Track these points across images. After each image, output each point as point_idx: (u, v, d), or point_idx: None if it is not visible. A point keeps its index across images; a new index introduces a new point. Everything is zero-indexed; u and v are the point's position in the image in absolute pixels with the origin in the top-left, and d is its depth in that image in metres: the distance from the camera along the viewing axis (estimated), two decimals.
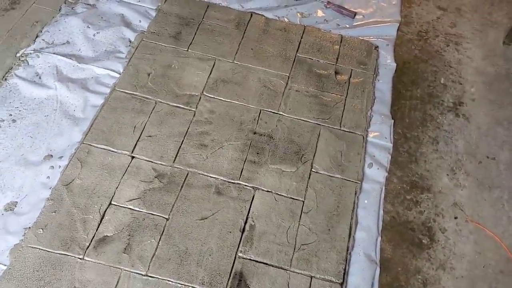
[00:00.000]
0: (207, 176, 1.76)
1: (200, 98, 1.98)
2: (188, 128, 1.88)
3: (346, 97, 2.08)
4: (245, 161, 1.81)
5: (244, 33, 2.27)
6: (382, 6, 2.51)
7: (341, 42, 2.30)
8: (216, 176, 1.76)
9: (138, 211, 1.65)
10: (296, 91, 2.07)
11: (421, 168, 1.88)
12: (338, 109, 2.03)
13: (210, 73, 2.09)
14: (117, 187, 1.69)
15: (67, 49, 2.11)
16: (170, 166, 1.77)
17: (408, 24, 2.43)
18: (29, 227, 1.58)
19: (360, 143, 1.93)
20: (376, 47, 2.31)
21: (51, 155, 1.76)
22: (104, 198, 1.66)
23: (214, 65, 2.12)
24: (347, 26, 2.41)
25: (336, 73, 2.17)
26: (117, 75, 2.03)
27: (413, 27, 2.42)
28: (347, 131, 1.96)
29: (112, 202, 1.66)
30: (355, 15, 2.42)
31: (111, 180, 1.71)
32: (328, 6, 2.45)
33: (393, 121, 2.02)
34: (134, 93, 1.97)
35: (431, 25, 2.44)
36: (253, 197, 1.73)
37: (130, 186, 1.70)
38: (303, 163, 1.83)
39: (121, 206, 1.65)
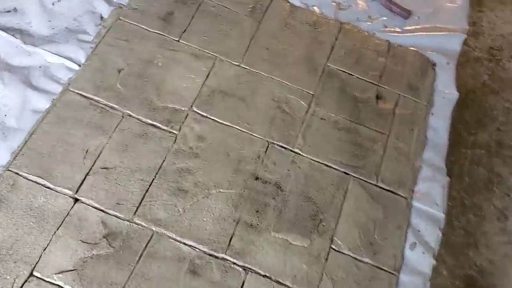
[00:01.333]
0: (180, 242, 1.17)
1: (187, 115, 1.36)
2: (164, 161, 1.27)
3: (388, 135, 1.46)
4: (237, 223, 1.22)
5: (259, 23, 1.62)
6: (444, 7, 1.84)
7: (388, 52, 1.65)
8: (194, 244, 1.17)
9: None
10: (322, 119, 1.44)
11: (482, 257, 1.29)
12: (376, 153, 1.41)
13: (206, 79, 1.46)
14: (45, 248, 1.11)
15: (13, 20, 1.46)
16: (128, 220, 1.17)
17: (477, 35, 1.78)
18: None
19: (402, 210, 1.33)
20: (434, 64, 1.66)
21: None
22: (24, 264, 1.08)
23: (213, 66, 1.48)
24: (397, 29, 1.76)
25: (378, 97, 1.54)
26: (76, 67, 1.40)
27: (483, 40, 1.77)
28: (386, 189, 1.36)
29: (34, 273, 1.09)
30: (409, 15, 1.76)
31: (39, 234, 1.12)
32: None
33: (448, 179, 1.40)
34: (95, 98, 1.35)
35: (506, 40, 1.77)
36: (243, 283, 1.14)
37: (64, 247, 1.11)
38: (320, 234, 1.24)
39: (45, 281, 1.08)
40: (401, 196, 1.37)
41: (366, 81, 1.58)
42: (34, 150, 1.25)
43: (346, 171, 1.37)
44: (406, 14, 1.77)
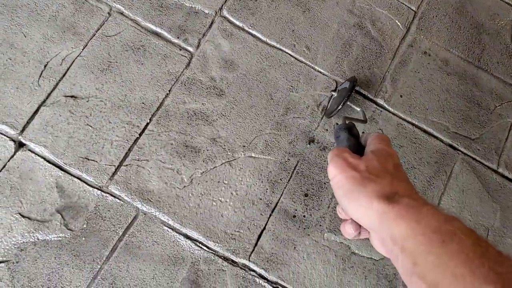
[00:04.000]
0: (179, 233, 0.67)
1: (211, 23, 0.78)
2: (167, 97, 0.73)
3: None
4: (273, 210, 0.69)
5: None
6: None
7: None
8: (200, 238, 0.67)
9: None
10: (424, 53, 0.83)
11: None
12: (501, 120, 0.82)
13: None
14: None
15: None
16: (99, 187, 0.66)
17: None
18: None
19: None
20: None
21: None
22: None
23: None
24: None
25: None
26: None
27: None
28: (511, 180, 0.79)
29: None
30: None
31: None
32: None
33: None
34: None
35: None
36: None
37: None
38: None
39: None
40: None
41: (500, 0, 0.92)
42: None
43: (453, 144, 0.79)
44: None
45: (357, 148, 0.47)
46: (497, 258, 0.32)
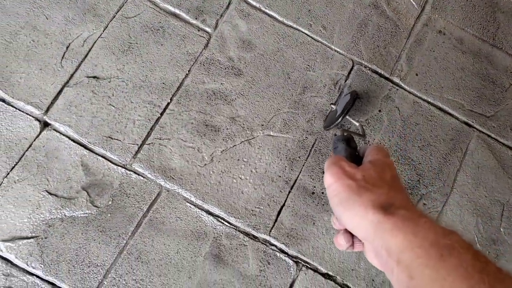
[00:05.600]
0: (201, 209, 0.66)
1: (229, 4, 0.76)
2: (187, 77, 0.71)
3: None
4: (292, 187, 0.68)
5: None
6: None
7: None
8: (221, 214, 0.67)
9: (22, 274, 0.60)
10: (439, 32, 0.81)
11: None
12: None
13: None
14: None
15: None
16: (123, 166, 0.66)
17: None
18: None
19: None
20: None
21: None
22: None
23: None
24: None
25: None
26: None
27: None
28: None
29: None
30: None
31: None
32: None
33: None
34: None
35: None
36: (293, 283, 0.65)
37: (20, 201, 0.63)
38: None
39: None
40: None
41: None
42: None
43: (468, 121, 0.78)
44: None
45: (355, 159, 0.46)
46: (497, 274, 0.30)
